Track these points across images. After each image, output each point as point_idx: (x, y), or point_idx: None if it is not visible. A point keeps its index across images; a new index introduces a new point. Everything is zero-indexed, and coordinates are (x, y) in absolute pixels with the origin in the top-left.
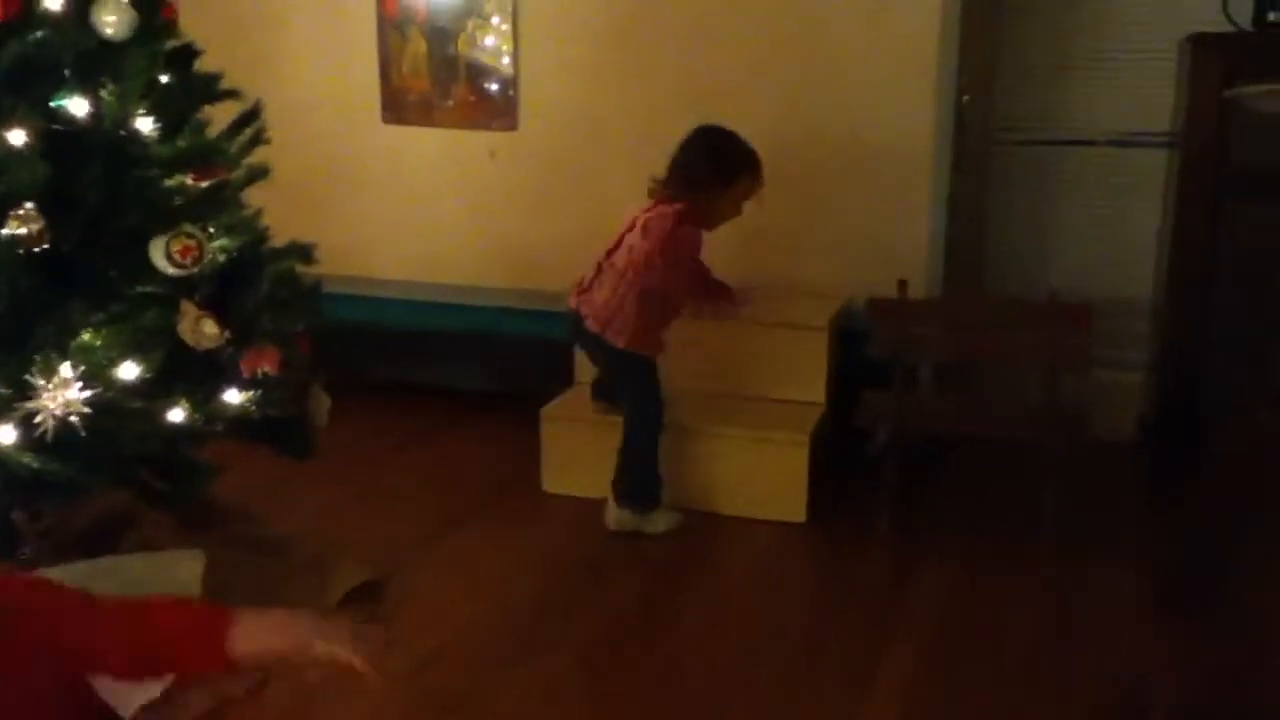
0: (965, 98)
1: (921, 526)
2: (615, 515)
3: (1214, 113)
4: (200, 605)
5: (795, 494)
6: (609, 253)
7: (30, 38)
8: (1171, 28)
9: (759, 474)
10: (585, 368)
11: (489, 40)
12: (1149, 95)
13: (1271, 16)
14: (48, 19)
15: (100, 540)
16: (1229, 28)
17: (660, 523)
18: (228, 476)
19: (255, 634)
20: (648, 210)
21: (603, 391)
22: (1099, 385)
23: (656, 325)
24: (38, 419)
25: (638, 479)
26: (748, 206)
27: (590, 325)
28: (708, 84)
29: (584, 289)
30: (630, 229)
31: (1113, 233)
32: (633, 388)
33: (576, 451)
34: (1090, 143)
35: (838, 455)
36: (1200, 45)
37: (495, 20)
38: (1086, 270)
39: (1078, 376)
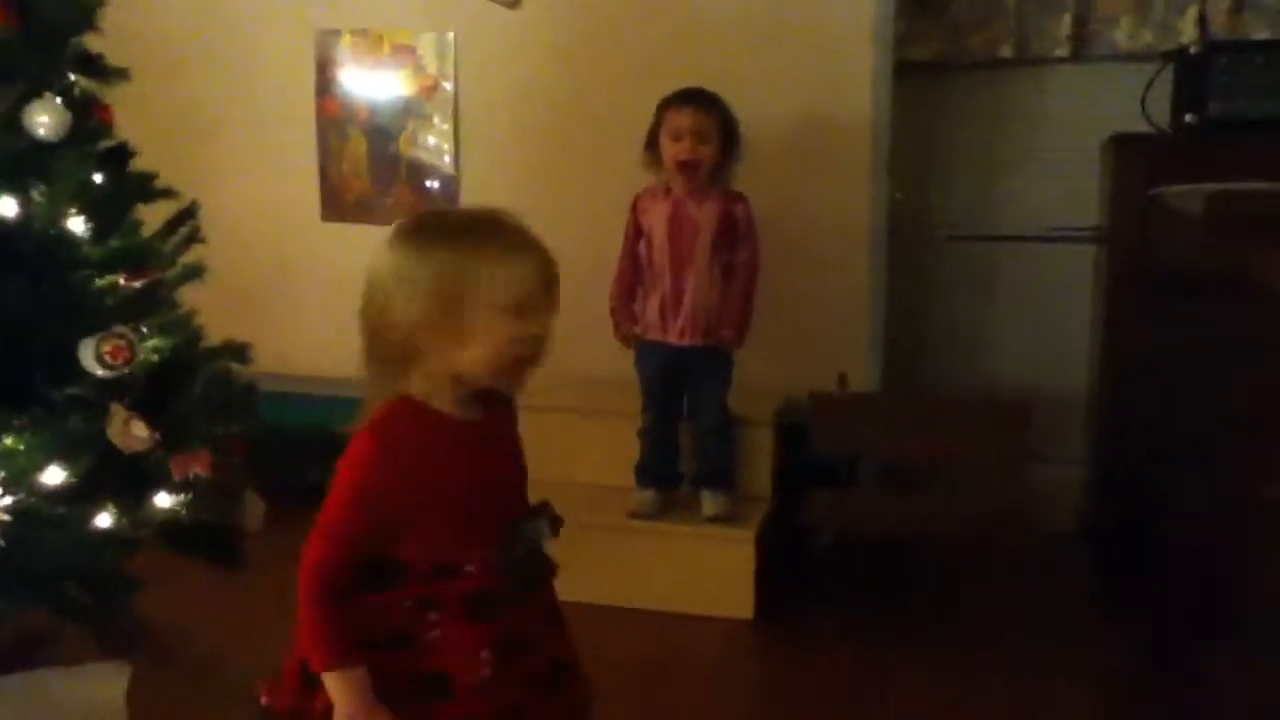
0: (898, 195)
1: (869, 626)
2: (717, 501)
3: (1137, 211)
4: None
5: (742, 591)
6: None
7: None
8: (1094, 128)
9: (705, 570)
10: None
11: (430, 140)
12: (1077, 192)
13: (1188, 118)
14: None
15: (13, 656)
16: (1149, 128)
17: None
18: (154, 590)
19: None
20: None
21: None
22: (1040, 480)
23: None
24: None
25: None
26: (680, 147)
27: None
28: (647, 183)
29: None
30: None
31: (1048, 327)
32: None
33: None
34: (1022, 238)
35: (785, 550)
36: (1122, 146)
37: (436, 120)
38: (1024, 364)
39: (1019, 473)
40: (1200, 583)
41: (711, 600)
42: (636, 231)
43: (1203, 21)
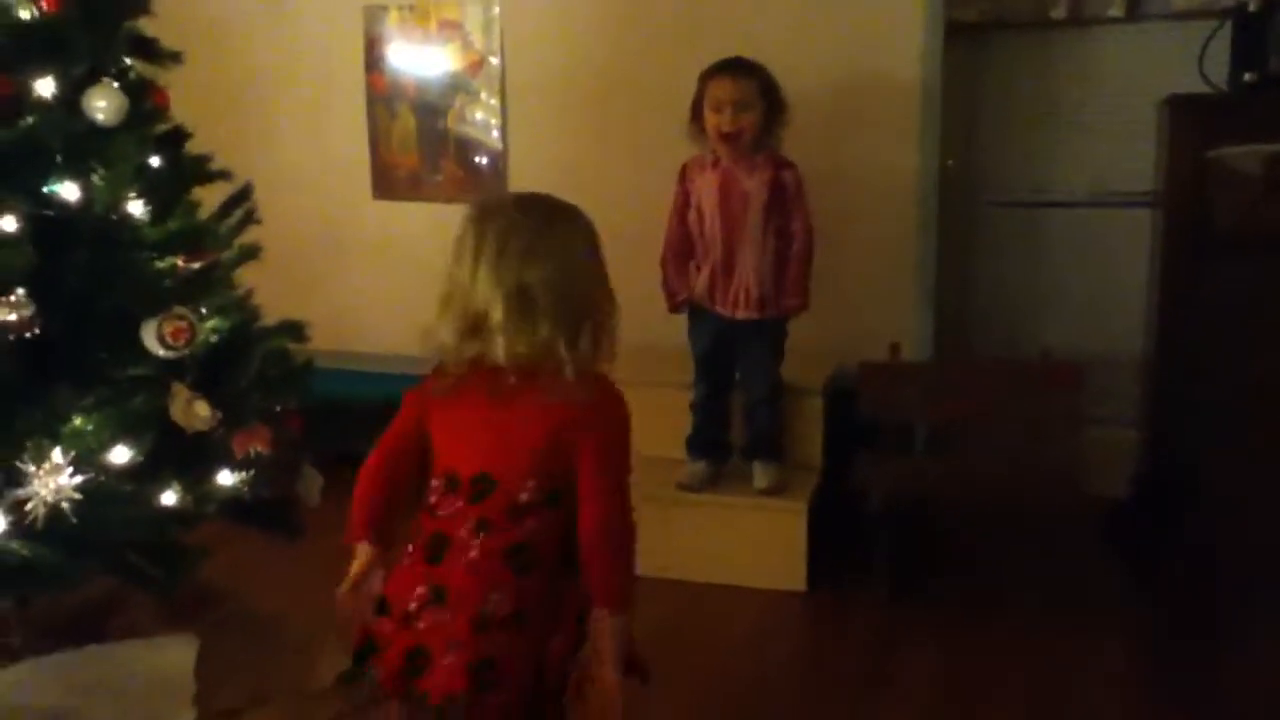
0: (949, 162)
1: (922, 592)
2: (768, 473)
3: (1194, 173)
4: None
5: (794, 562)
6: None
7: (22, 124)
8: (1150, 88)
9: (757, 542)
10: None
11: (478, 115)
12: (1131, 155)
13: (1247, 77)
14: (39, 106)
15: (87, 627)
16: (1206, 88)
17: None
18: (216, 558)
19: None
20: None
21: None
22: (1092, 443)
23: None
24: (28, 506)
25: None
26: (721, 118)
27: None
28: (693, 153)
29: None
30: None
31: (1101, 291)
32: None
33: None
34: (1074, 204)
35: (837, 520)
36: (1178, 107)
37: (484, 95)
38: (1077, 329)
39: (1071, 436)
40: (1249, 544)
41: (763, 572)
42: (685, 201)
43: None
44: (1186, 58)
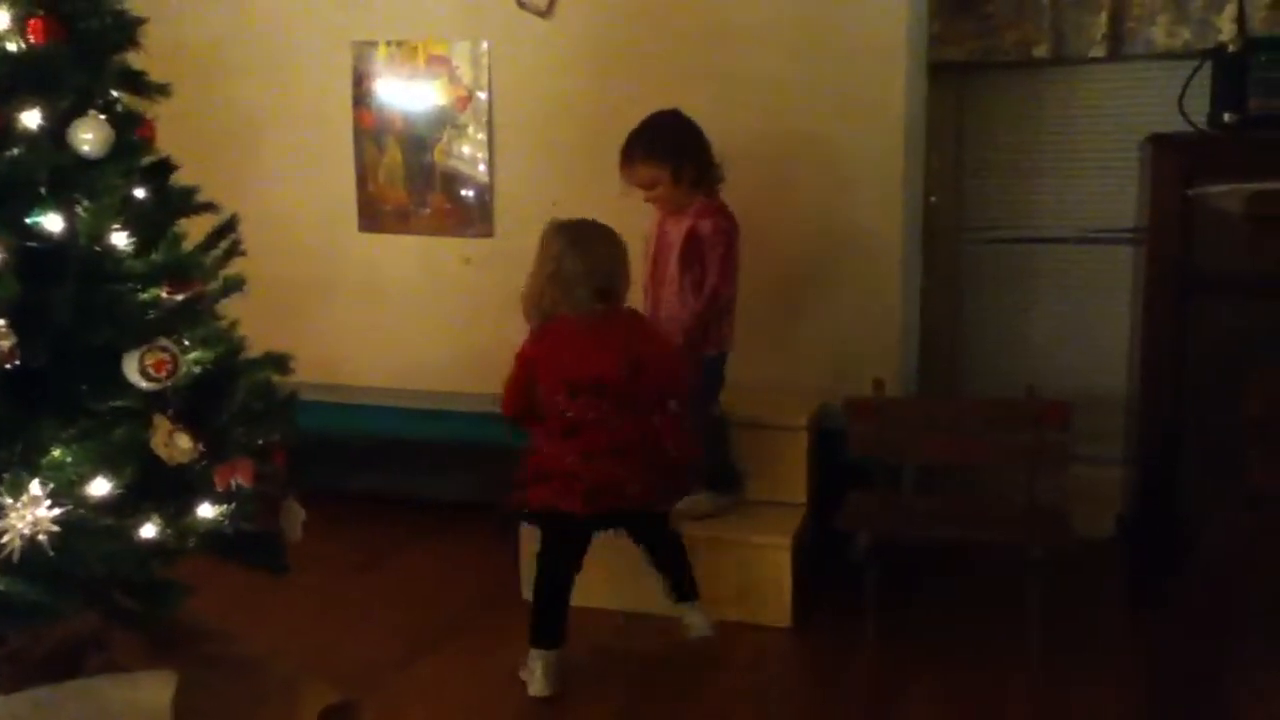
0: (932, 198)
1: (909, 633)
2: (703, 502)
3: (1176, 211)
4: None
5: (779, 598)
6: None
7: (7, 155)
8: (1132, 127)
9: (741, 578)
10: None
11: (465, 150)
12: (1115, 193)
13: (1227, 117)
14: (25, 137)
15: (65, 663)
16: (1187, 128)
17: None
18: (199, 594)
19: None
20: None
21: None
22: (1078, 482)
23: None
24: (4, 539)
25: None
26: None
27: None
28: None
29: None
30: None
31: (1086, 328)
32: None
33: None
34: (1059, 240)
35: (822, 557)
36: (1160, 145)
37: (471, 130)
38: (1062, 365)
39: (1057, 474)
40: (1238, 586)
41: (748, 607)
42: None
43: (1241, 18)
44: (1168, 97)
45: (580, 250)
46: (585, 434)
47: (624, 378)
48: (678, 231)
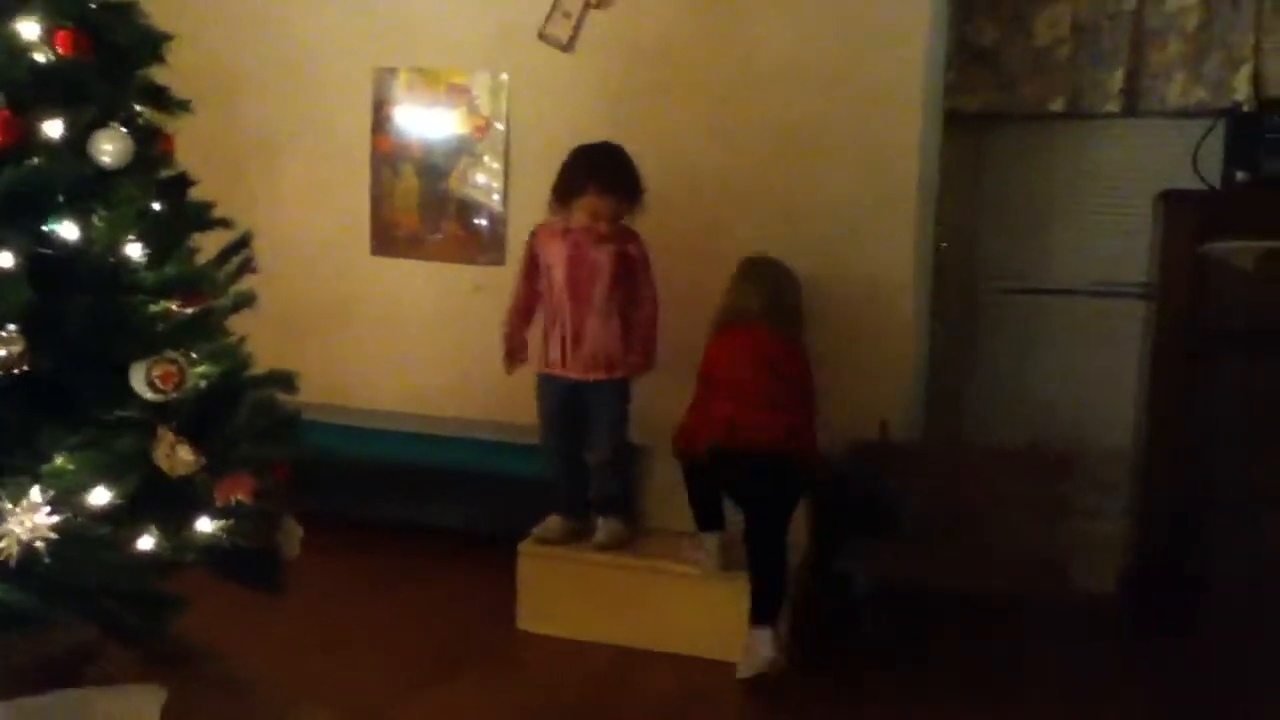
0: (943, 245)
1: (905, 679)
2: (609, 529)
3: (1187, 267)
4: None
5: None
6: None
7: (27, 164)
8: (1145, 183)
9: (739, 618)
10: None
11: (480, 178)
12: (1126, 247)
13: (1240, 176)
14: (47, 147)
15: (60, 674)
16: (1200, 185)
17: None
18: (195, 610)
19: None
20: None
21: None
22: (1081, 535)
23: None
24: (1, 544)
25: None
26: (594, 221)
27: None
28: (690, 229)
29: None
30: None
31: (1094, 381)
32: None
33: (554, 590)
34: (1070, 292)
35: (821, 600)
36: (1173, 202)
37: (487, 159)
38: (1069, 418)
39: (1058, 525)
40: (1243, 647)
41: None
42: (534, 264)
43: (1256, 79)
44: (1181, 154)
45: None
46: None
47: None
48: (604, 254)
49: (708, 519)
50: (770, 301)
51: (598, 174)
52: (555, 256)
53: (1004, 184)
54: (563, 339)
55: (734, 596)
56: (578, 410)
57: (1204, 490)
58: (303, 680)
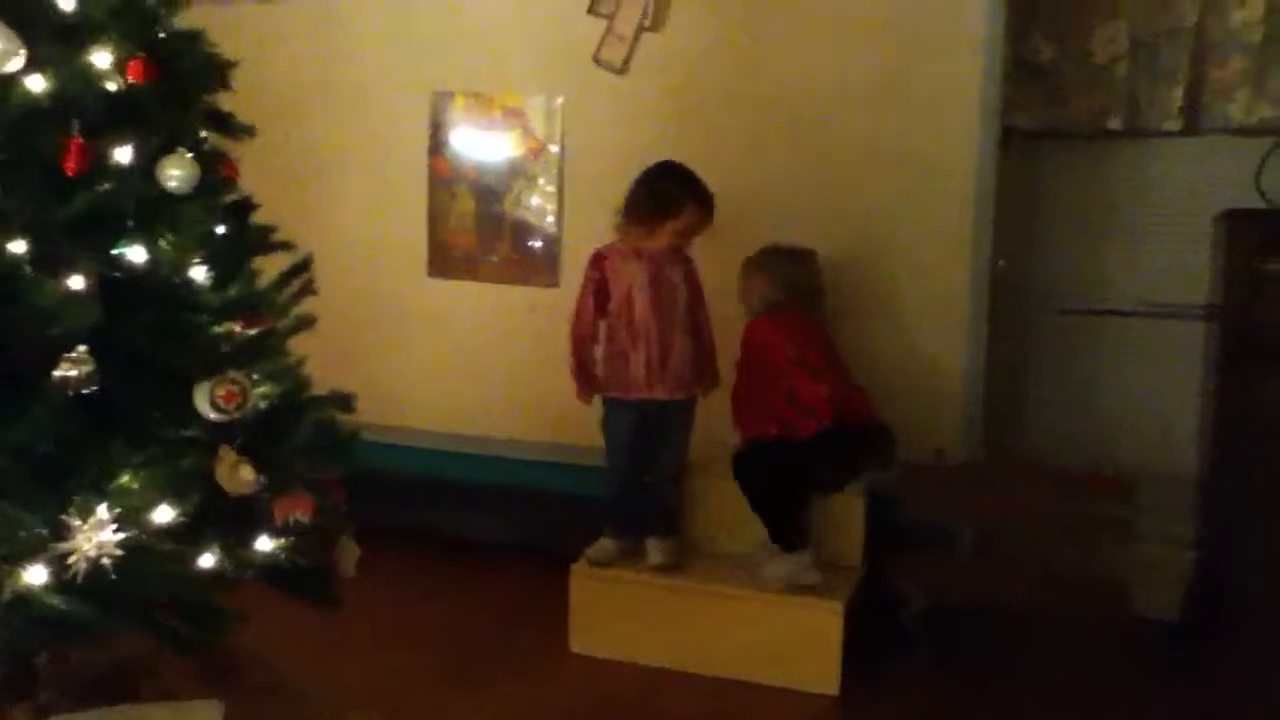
0: (1001, 263)
1: (959, 702)
2: (665, 549)
3: (1249, 288)
4: None
5: (828, 664)
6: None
7: (98, 189)
8: (1206, 202)
9: (790, 640)
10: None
11: (535, 201)
12: (1187, 267)
13: None
14: (116, 172)
15: (119, 686)
16: (1262, 204)
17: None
18: (251, 624)
19: None
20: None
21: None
22: (1144, 561)
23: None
24: (70, 560)
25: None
26: (683, 240)
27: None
28: (744, 249)
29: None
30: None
31: (1155, 402)
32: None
33: (606, 611)
34: (1130, 313)
35: (874, 621)
36: (1235, 221)
37: (542, 182)
38: (1129, 439)
39: (1119, 549)
40: None
41: (793, 672)
42: (601, 287)
43: None
44: (1243, 173)
45: None
46: None
47: None
48: (677, 274)
49: (798, 533)
50: (794, 289)
51: (693, 191)
52: (634, 279)
53: (1062, 202)
54: (648, 361)
55: (792, 622)
56: (650, 431)
57: (1270, 514)
58: (351, 688)
